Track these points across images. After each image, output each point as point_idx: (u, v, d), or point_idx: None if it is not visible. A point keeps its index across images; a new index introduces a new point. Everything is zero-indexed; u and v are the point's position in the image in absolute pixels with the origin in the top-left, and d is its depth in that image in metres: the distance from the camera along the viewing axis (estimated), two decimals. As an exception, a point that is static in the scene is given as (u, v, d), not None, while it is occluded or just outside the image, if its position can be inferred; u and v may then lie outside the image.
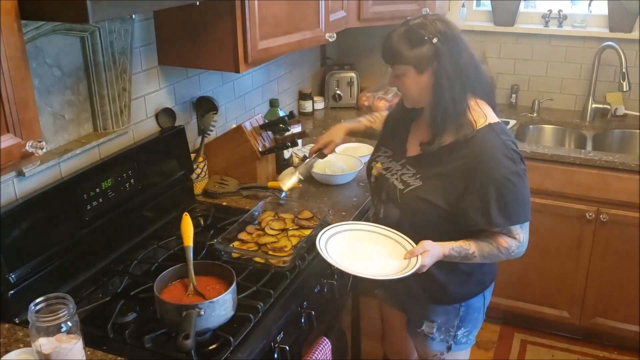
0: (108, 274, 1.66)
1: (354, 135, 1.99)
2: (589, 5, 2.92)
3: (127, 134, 1.87)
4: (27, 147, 1.13)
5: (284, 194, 2.05)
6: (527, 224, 1.54)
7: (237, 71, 1.83)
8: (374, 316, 2.10)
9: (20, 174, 1.54)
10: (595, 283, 2.65)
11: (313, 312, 1.62)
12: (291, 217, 1.84)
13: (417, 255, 1.46)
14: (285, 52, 2.01)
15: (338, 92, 3.11)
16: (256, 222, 1.84)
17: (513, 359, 2.72)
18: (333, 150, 1.93)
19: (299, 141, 2.41)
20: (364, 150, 2.40)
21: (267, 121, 2.23)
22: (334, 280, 1.77)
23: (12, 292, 1.44)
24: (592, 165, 2.49)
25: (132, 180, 1.77)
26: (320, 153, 1.93)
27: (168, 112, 2.02)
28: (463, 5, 3.10)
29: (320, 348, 1.64)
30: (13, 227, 1.43)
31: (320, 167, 2.25)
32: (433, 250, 1.47)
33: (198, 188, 2.11)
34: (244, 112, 2.50)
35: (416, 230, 1.53)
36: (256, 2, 1.77)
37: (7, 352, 1.30)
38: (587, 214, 2.54)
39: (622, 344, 2.72)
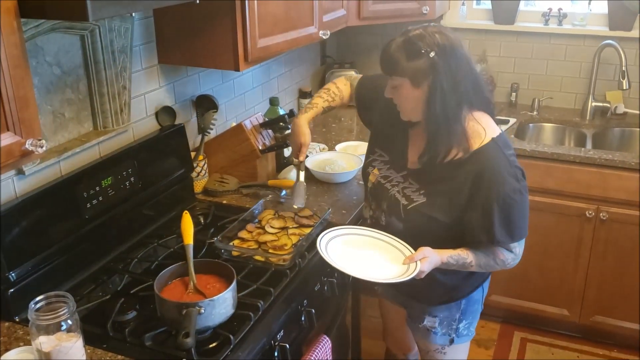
0: (108, 272, 1.66)
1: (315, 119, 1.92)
2: (589, 3, 2.92)
3: (127, 132, 1.87)
4: (27, 146, 1.13)
5: (284, 193, 2.06)
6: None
7: (237, 69, 1.83)
8: (374, 314, 2.10)
9: (20, 172, 1.54)
10: (595, 281, 2.65)
11: (313, 311, 1.62)
12: (291, 216, 1.84)
13: (416, 261, 1.48)
14: (283, 50, 2.01)
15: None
16: (256, 220, 1.84)
17: (513, 357, 2.72)
18: (305, 152, 1.86)
19: (299, 139, 2.40)
20: (364, 148, 2.38)
21: (267, 119, 2.23)
22: (334, 279, 1.77)
23: (12, 290, 1.44)
24: (592, 163, 2.49)
25: (132, 179, 1.77)
26: (300, 162, 1.89)
27: (168, 111, 2.02)
28: (463, 4, 3.10)
29: (320, 346, 1.64)
30: (13, 226, 1.43)
31: (321, 165, 2.25)
32: (432, 257, 1.49)
33: (198, 186, 2.11)
34: (244, 110, 2.50)
35: (419, 243, 1.54)
36: (255, 1, 1.77)
37: (7, 350, 1.30)
38: (587, 212, 2.54)
39: (622, 342, 2.72)
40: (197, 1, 1.42)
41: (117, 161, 1.74)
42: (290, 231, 1.76)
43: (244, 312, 1.43)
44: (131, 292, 1.55)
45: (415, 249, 1.53)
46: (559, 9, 2.93)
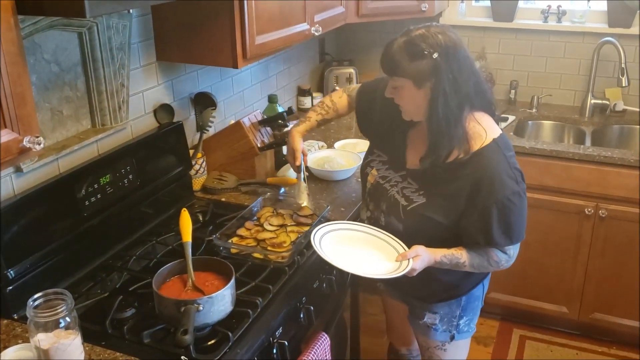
0: (107, 269, 1.66)
1: (309, 132, 1.94)
2: (588, 1, 2.92)
3: (125, 130, 1.87)
4: (24, 143, 1.13)
5: (282, 190, 2.05)
6: None
7: (236, 67, 1.83)
8: (373, 312, 2.10)
9: (19, 170, 1.54)
10: (594, 278, 2.66)
11: (312, 308, 1.63)
12: (290, 213, 1.84)
13: (408, 259, 1.48)
14: (279, 47, 2.01)
15: (337, 88, 3.10)
16: (255, 218, 1.84)
17: (512, 354, 2.72)
18: (301, 159, 1.86)
19: (298, 137, 2.40)
20: (363, 146, 2.39)
21: (265, 117, 2.22)
22: (333, 276, 1.77)
23: (11, 287, 1.44)
24: (591, 160, 2.49)
25: (130, 176, 1.77)
26: (297, 168, 1.88)
27: (166, 108, 2.02)
28: (462, 1, 3.09)
29: (319, 343, 1.64)
30: (11, 223, 1.42)
31: (319, 163, 2.25)
32: (424, 256, 1.49)
33: (197, 184, 2.11)
34: (243, 108, 2.50)
35: (418, 243, 1.54)
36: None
37: (5, 347, 1.30)
38: (586, 210, 2.54)
39: (621, 340, 2.73)
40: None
41: (115, 159, 1.74)
42: (289, 229, 1.76)
43: (243, 310, 1.43)
44: (130, 289, 1.55)
45: None
46: (558, 6, 2.93)
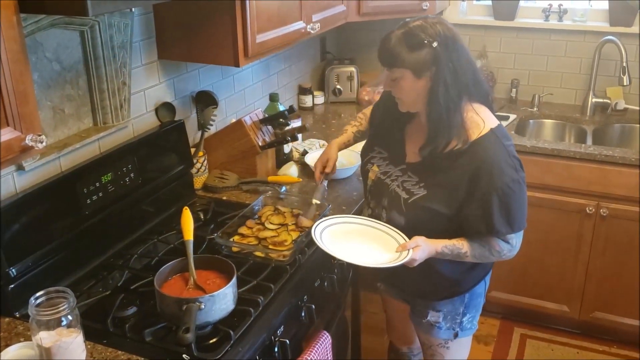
0: (108, 268, 1.66)
1: (348, 146, 1.95)
2: (590, -1, 2.92)
3: (126, 128, 1.87)
4: (26, 141, 1.13)
5: (283, 189, 2.05)
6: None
7: (237, 65, 1.83)
8: (374, 310, 2.11)
9: (20, 168, 1.54)
10: (595, 277, 2.66)
11: (313, 306, 1.63)
12: (289, 211, 1.84)
13: (408, 249, 1.48)
14: (278, 45, 2.01)
15: (338, 86, 3.10)
16: (256, 216, 1.84)
17: (513, 353, 2.72)
18: (333, 167, 1.87)
19: (299, 135, 2.40)
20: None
21: (267, 115, 2.22)
22: (334, 275, 1.77)
23: (13, 286, 1.44)
24: (592, 159, 2.49)
25: (132, 175, 1.77)
26: (325, 174, 1.88)
27: (168, 107, 2.02)
28: (463, 0, 3.09)
29: (320, 342, 1.64)
30: (13, 221, 1.42)
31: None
32: (424, 246, 1.50)
33: (198, 182, 2.11)
34: (244, 106, 2.50)
35: (420, 235, 1.54)
36: (254, -2, 1.77)
37: (7, 346, 1.30)
38: (587, 209, 2.54)
39: (622, 338, 2.73)
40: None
41: (117, 157, 1.74)
42: (290, 227, 1.76)
43: (244, 308, 1.43)
44: (131, 287, 1.55)
45: None
46: (560, 5, 2.93)
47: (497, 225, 1.47)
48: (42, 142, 1.15)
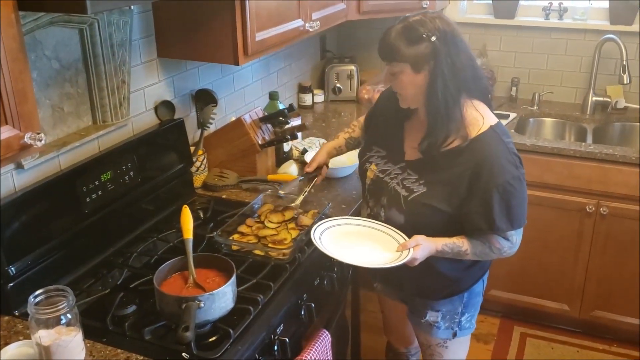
0: (108, 266, 1.66)
1: (340, 152, 1.94)
2: (590, -3, 2.92)
3: (126, 126, 1.87)
4: (25, 139, 1.12)
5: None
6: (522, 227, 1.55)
7: (237, 63, 1.83)
8: (374, 309, 2.10)
9: (20, 166, 1.53)
10: (595, 276, 2.65)
11: (313, 305, 1.62)
12: (291, 211, 1.84)
13: (409, 248, 1.48)
14: (277, 44, 2.00)
15: (338, 85, 3.10)
16: (256, 215, 1.84)
17: (513, 351, 2.72)
18: (314, 167, 1.86)
19: (299, 134, 2.40)
20: (364, 143, 2.39)
21: (266, 114, 2.22)
22: (334, 273, 1.77)
23: (12, 284, 1.44)
24: (592, 158, 2.48)
25: (131, 173, 1.77)
26: (306, 173, 1.88)
27: (167, 105, 2.02)
28: (463, -2, 3.09)
29: (320, 340, 1.64)
30: (12, 220, 1.42)
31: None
32: (425, 244, 1.49)
33: (198, 181, 2.11)
34: (244, 105, 2.50)
35: (420, 233, 1.53)
36: (254, -5, 1.77)
37: (6, 344, 1.30)
38: (587, 207, 2.54)
39: (622, 337, 2.73)
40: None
41: (116, 155, 1.73)
42: (289, 225, 1.76)
43: (244, 306, 1.43)
44: (131, 286, 1.55)
45: None
46: (560, 3, 2.92)
47: (497, 222, 1.47)
48: (41, 140, 1.14)
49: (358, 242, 1.58)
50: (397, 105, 1.60)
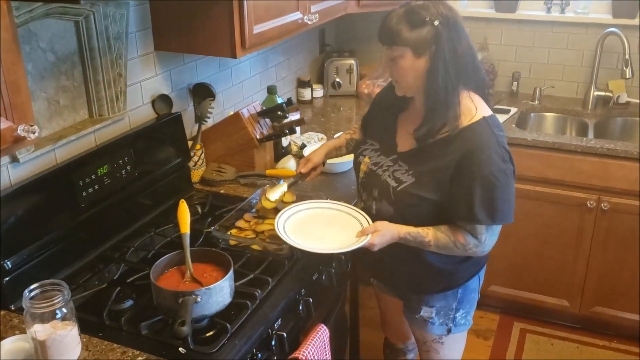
0: (104, 261, 1.65)
1: (339, 153, 1.92)
2: (592, -9, 2.90)
3: (123, 120, 1.85)
4: (19, 131, 1.11)
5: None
6: (497, 227, 1.53)
7: (234, 56, 1.81)
8: (372, 304, 2.09)
9: (15, 160, 1.52)
10: (596, 272, 2.64)
11: (311, 300, 1.61)
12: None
13: (367, 234, 1.50)
14: (275, 37, 1.98)
15: (337, 79, 3.08)
16: (254, 209, 1.82)
17: (512, 347, 2.71)
18: (310, 168, 1.83)
19: (297, 129, 2.38)
20: (363, 137, 2.37)
21: (264, 108, 2.20)
22: (332, 268, 1.76)
23: (8, 278, 1.43)
24: (593, 153, 2.47)
25: (128, 167, 1.75)
26: (300, 174, 1.84)
27: (164, 99, 2.00)
28: (464, -8, 3.07)
29: (318, 335, 1.63)
30: (8, 214, 1.41)
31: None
32: (385, 231, 1.50)
33: (195, 176, 2.10)
34: (242, 99, 2.48)
35: (409, 224, 1.53)
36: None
37: (2, 338, 1.30)
38: (588, 203, 2.53)
39: (622, 333, 2.72)
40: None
41: (113, 149, 1.72)
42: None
43: (241, 301, 1.42)
44: (127, 280, 1.54)
45: None
46: (561, -3, 2.90)
47: (477, 212, 1.45)
48: (34, 133, 1.13)
49: (321, 227, 1.59)
50: (391, 99, 1.59)
